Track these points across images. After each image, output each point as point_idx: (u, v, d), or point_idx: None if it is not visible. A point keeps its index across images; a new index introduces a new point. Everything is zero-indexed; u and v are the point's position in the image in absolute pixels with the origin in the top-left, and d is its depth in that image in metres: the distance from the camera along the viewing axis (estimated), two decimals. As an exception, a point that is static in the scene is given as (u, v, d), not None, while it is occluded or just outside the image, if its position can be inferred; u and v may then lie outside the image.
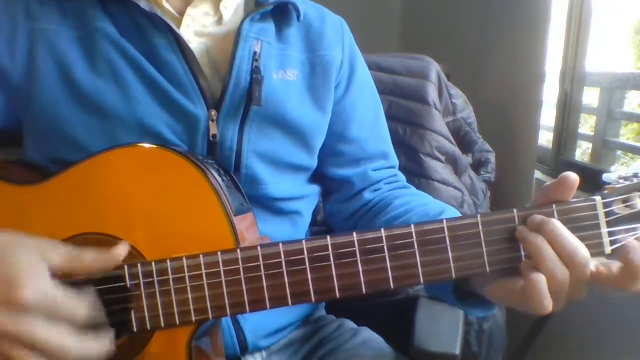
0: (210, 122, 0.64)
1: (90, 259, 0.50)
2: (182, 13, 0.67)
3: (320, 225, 1.00)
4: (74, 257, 0.49)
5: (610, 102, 1.87)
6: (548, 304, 0.49)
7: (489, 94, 1.49)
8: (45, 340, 0.44)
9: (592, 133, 1.96)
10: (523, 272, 0.50)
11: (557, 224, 0.49)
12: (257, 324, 0.70)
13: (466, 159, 1.26)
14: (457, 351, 0.79)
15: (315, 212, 0.86)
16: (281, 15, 0.71)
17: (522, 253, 0.51)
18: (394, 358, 0.75)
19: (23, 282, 0.44)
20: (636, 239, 0.50)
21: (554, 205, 0.51)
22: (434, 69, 1.19)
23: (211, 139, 0.65)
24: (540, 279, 0.49)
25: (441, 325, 0.83)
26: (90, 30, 0.63)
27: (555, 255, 0.49)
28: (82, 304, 0.47)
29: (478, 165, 1.32)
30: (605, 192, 0.51)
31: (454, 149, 1.19)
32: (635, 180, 0.50)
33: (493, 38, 1.51)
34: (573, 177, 0.50)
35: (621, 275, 0.49)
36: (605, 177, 0.52)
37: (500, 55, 1.50)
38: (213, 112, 0.64)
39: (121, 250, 0.52)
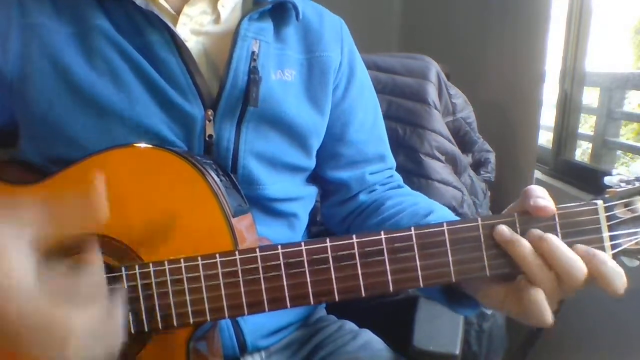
0: (207, 122, 0.64)
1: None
2: (179, 11, 0.66)
3: (320, 226, 1.00)
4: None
5: (610, 102, 1.87)
6: (549, 318, 0.49)
7: (489, 94, 1.49)
8: None
9: (592, 133, 1.96)
10: (522, 290, 0.50)
11: (554, 240, 0.49)
12: (256, 324, 0.69)
13: (466, 159, 1.25)
14: (457, 351, 0.79)
15: (314, 213, 0.85)
16: (280, 14, 0.70)
17: None
18: (394, 362, 0.74)
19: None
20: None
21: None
22: (434, 69, 1.18)
23: (207, 139, 0.64)
24: (540, 297, 0.49)
25: (441, 325, 0.82)
26: (87, 28, 0.62)
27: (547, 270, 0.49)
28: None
29: (478, 165, 1.32)
30: (607, 195, 0.50)
31: (454, 148, 1.19)
32: (637, 183, 0.49)
33: (493, 38, 1.51)
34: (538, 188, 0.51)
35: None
36: (607, 180, 0.51)
37: (500, 55, 1.49)
38: (210, 112, 0.64)
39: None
